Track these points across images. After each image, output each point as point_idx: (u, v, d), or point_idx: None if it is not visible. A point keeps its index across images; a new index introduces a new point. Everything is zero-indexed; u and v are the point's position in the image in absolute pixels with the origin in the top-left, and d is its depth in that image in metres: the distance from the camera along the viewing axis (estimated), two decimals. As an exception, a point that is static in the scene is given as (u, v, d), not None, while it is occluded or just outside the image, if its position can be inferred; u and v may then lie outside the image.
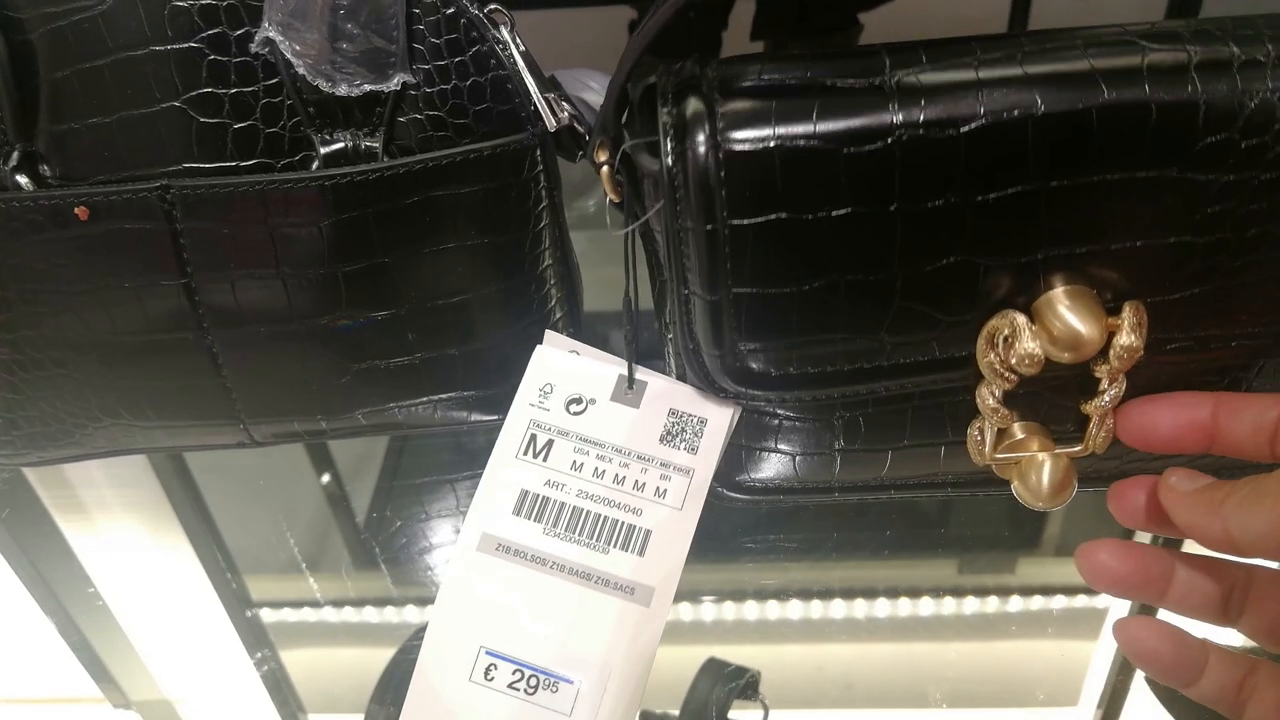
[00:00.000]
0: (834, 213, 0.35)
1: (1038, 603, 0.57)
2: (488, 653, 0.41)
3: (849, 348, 0.39)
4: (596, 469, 0.43)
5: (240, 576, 0.66)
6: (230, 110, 0.42)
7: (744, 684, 0.53)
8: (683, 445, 0.43)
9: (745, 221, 0.36)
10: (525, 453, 0.44)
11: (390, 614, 0.62)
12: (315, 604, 0.64)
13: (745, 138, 0.35)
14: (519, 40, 0.43)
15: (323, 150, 0.43)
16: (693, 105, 0.36)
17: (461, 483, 0.67)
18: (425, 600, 0.62)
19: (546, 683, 0.41)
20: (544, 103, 0.43)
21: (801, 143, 0.35)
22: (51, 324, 0.46)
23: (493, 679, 0.41)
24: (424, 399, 0.49)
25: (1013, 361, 0.37)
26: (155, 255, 0.44)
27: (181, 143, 0.43)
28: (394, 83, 0.42)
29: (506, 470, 0.43)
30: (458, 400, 0.49)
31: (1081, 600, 0.57)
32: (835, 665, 0.55)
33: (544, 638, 0.41)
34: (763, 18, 0.76)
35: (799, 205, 0.35)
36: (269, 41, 0.41)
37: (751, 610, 0.58)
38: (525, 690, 0.41)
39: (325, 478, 0.70)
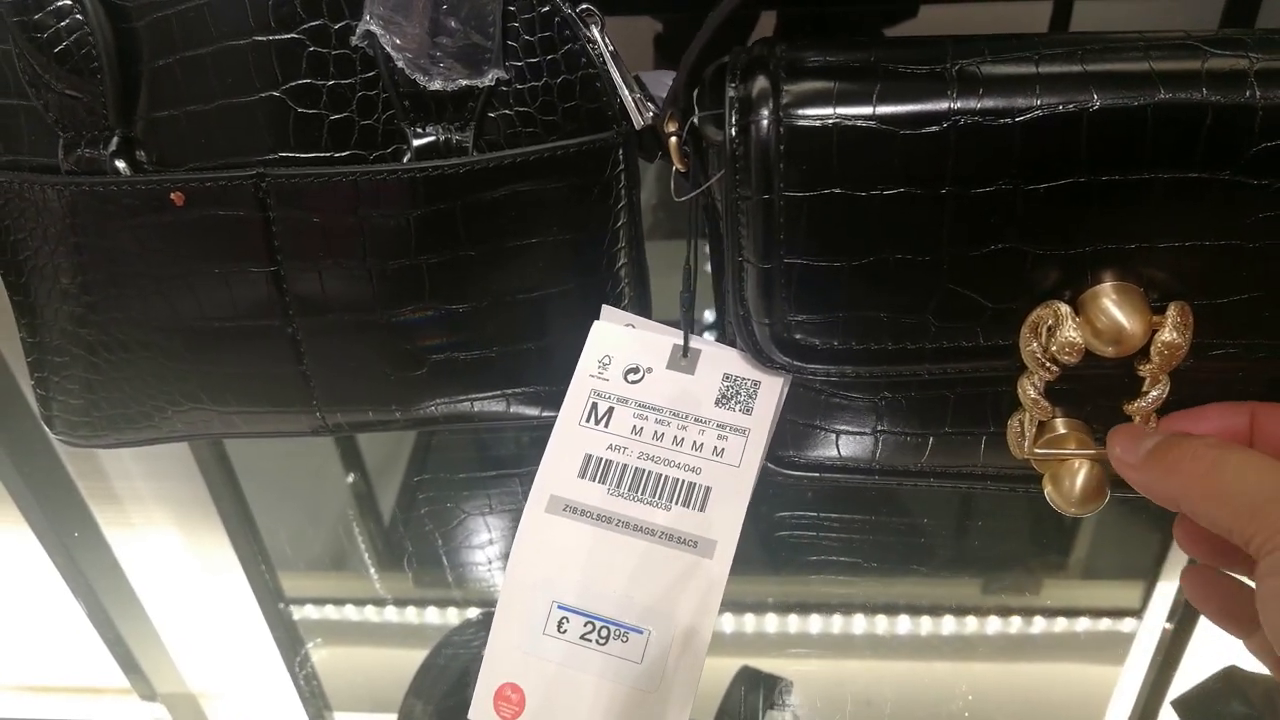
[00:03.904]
0: (887, 192, 0.37)
1: (1062, 625, 0.57)
2: (560, 607, 0.43)
3: (894, 327, 0.40)
4: (656, 432, 0.45)
5: (274, 571, 0.66)
6: (327, 101, 0.43)
7: (777, 693, 0.54)
8: (738, 407, 0.45)
9: (800, 194, 0.37)
10: (588, 420, 0.45)
11: (417, 614, 0.62)
12: (345, 601, 0.64)
13: (807, 115, 0.37)
14: (608, 40, 0.44)
15: (415, 143, 0.44)
16: (759, 82, 0.38)
17: (488, 482, 0.67)
18: (452, 602, 0.62)
19: (617, 633, 0.42)
20: (631, 102, 0.44)
21: (860, 123, 0.36)
22: (140, 307, 0.47)
23: (565, 631, 0.43)
24: (497, 392, 0.50)
25: (1054, 350, 0.38)
26: (247, 242, 0.45)
27: (278, 132, 0.43)
28: (488, 78, 0.43)
29: (570, 437, 0.45)
30: (530, 395, 0.50)
31: (1106, 624, 0.57)
32: (855, 681, 0.55)
33: (612, 591, 0.43)
34: (783, 34, 0.78)
35: (853, 182, 0.37)
36: (370, 35, 0.42)
37: (772, 623, 0.58)
38: (597, 641, 0.42)
39: (357, 476, 0.70)
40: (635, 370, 0.46)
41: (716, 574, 0.42)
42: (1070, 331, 0.38)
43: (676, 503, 0.44)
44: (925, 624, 0.57)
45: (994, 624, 0.57)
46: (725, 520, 0.43)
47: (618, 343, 0.47)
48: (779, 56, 0.38)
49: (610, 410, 0.45)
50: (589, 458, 0.44)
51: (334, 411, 0.50)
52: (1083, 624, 0.57)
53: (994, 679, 0.55)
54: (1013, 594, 0.59)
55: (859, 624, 0.58)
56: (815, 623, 0.58)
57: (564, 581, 0.43)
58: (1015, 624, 0.57)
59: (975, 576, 0.60)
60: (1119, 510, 0.62)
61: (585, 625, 0.43)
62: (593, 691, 0.42)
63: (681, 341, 0.46)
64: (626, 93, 0.44)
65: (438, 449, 0.70)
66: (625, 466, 0.44)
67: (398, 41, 0.42)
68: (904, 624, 0.57)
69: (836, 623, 0.58)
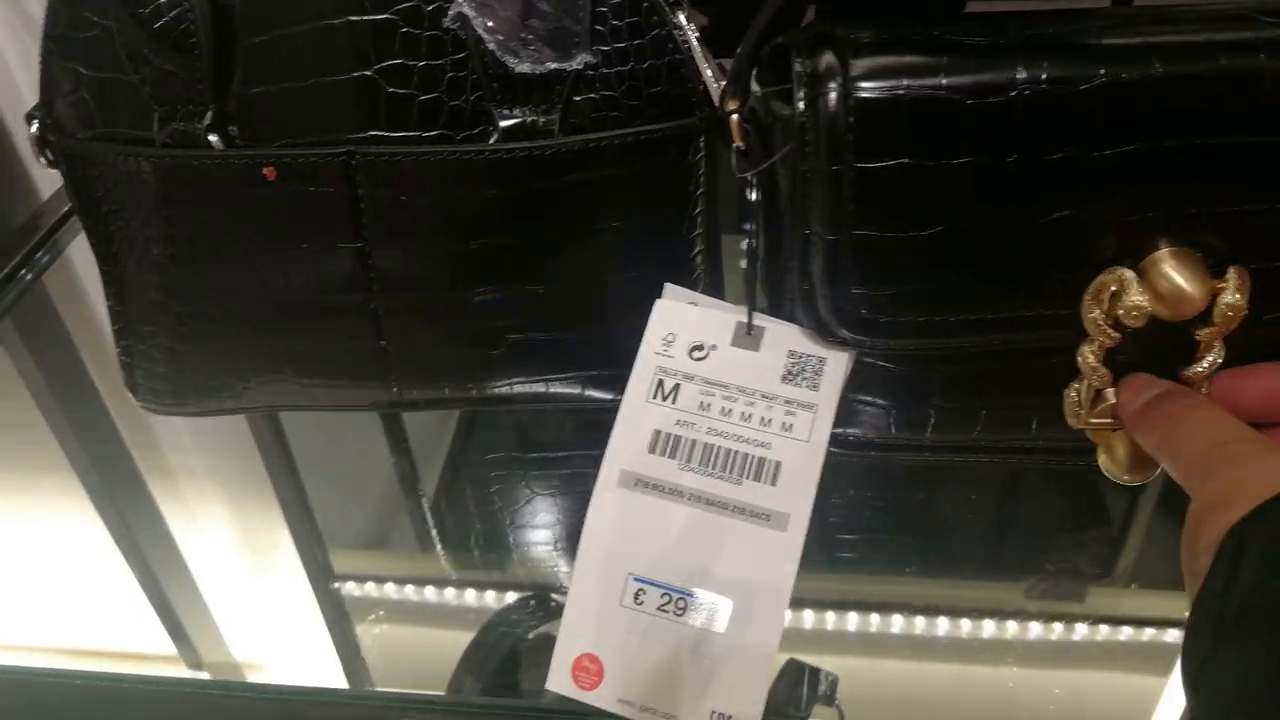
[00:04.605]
0: (954, 161, 0.38)
1: (1105, 632, 0.57)
2: (635, 579, 0.44)
3: (957, 298, 0.41)
4: (724, 408, 0.45)
5: (324, 547, 0.67)
6: (418, 82, 0.44)
7: (825, 688, 0.54)
8: (804, 383, 0.45)
9: (869, 165, 0.38)
10: (654, 396, 0.46)
11: (466, 595, 0.62)
12: (399, 580, 0.64)
13: (875, 87, 0.38)
14: (693, 26, 0.44)
15: (502, 124, 0.44)
16: (827, 57, 0.38)
17: (541, 464, 0.68)
18: (501, 584, 0.63)
19: (694, 604, 0.43)
20: (716, 88, 0.44)
21: (928, 93, 0.37)
22: (227, 279, 0.47)
23: (642, 603, 0.43)
24: (573, 375, 0.50)
25: (1119, 313, 0.39)
26: (334, 219, 0.45)
27: (369, 111, 0.44)
28: (576, 62, 0.43)
29: (639, 413, 0.45)
30: (604, 378, 0.50)
31: (1150, 633, 0.57)
32: (892, 681, 0.55)
33: (688, 563, 0.43)
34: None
35: (921, 153, 0.38)
36: (462, 17, 0.43)
37: (808, 619, 0.58)
38: (674, 611, 0.43)
39: (413, 456, 0.70)
40: (700, 347, 0.46)
41: (791, 546, 0.43)
42: (1135, 296, 0.38)
43: (748, 477, 0.44)
44: (965, 626, 0.57)
45: (1035, 629, 0.57)
46: (797, 494, 0.44)
47: (681, 320, 0.47)
48: (843, 31, 0.39)
49: (676, 387, 0.46)
50: (658, 433, 0.45)
51: (411, 387, 0.50)
52: (1127, 632, 0.57)
53: (1034, 684, 0.55)
54: (1056, 600, 0.58)
55: (897, 624, 0.58)
56: (852, 620, 0.58)
57: (639, 554, 0.44)
58: (1057, 630, 0.57)
59: (1018, 580, 0.60)
60: (1168, 516, 0.62)
61: (662, 597, 0.43)
62: (671, 661, 0.43)
63: (744, 319, 0.46)
64: (711, 79, 0.44)
65: (504, 429, 0.70)
66: (694, 442, 0.45)
67: (490, 24, 0.43)
68: (944, 625, 0.57)
69: (874, 621, 0.58)
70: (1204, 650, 0.29)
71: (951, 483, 0.63)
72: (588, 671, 0.43)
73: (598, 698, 0.43)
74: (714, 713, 0.42)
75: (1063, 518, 0.63)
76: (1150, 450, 0.38)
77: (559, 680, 0.44)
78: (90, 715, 0.49)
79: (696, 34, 0.44)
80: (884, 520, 0.63)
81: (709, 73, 0.44)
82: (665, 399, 0.45)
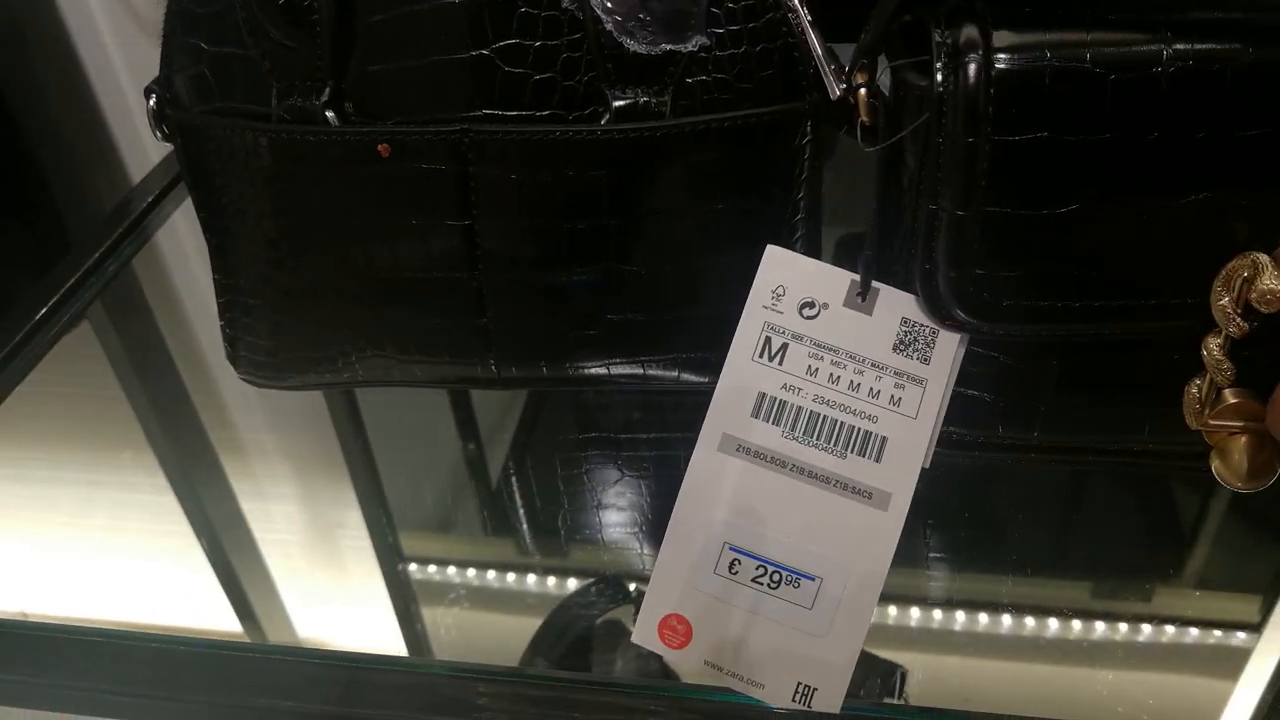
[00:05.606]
0: (1095, 137, 0.37)
1: (1171, 634, 0.56)
2: (731, 548, 0.43)
3: (1082, 282, 0.40)
4: (832, 374, 0.44)
5: (395, 530, 0.67)
6: (534, 61, 0.44)
7: (894, 681, 0.54)
8: (915, 355, 0.44)
9: (1008, 139, 0.38)
10: (760, 355, 0.44)
11: (524, 580, 0.62)
12: (463, 563, 0.64)
13: (1018, 60, 0.37)
14: (807, 10, 0.44)
15: (615, 104, 0.44)
16: (969, 29, 0.38)
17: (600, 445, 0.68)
18: (569, 569, 0.63)
19: (789, 579, 0.43)
20: (828, 72, 0.44)
21: (1072, 66, 0.37)
22: (335, 254, 0.48)
23: (736, 573, 0.43)
24: (670, 357, 0.50)
25: (1252, 297, 0.38)
26: (444, 196, 0.46)
27: (484, 90, 0.44)
28: (692, 44, 0.44)
29: (743, 373, 0.44)
30: (701, 362, 0.51)
31: (1218, 635, 0.56)
32: (953, 676, 0.55)
33: (785, 536, 0.43)
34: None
35: (1061, 127, 0.37)
36: (582, -4, 0.43)
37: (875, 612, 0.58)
38: (769, 585, 0.43)
39: (484, 441, 0.70)
40: (811, 304, 0.44)
41: (890, 527, 0.42)
42: (1270, 281, 0.37)
43: (852, 451, 0.43)
44: (1029, 624, 0.57)
45: (1100, 629, 0.56)
46: (901, 473, 0.43)
47: (793, 272, 0.45)
48: (984, 4, 0.39)
49: (784, 346, 0.44)
50: (762, 396, 0.44)
51: (509, 365, 0.51)
52: (1194, 634, 0.56)
53: (1097, 684, 0.55)
54: (1122, 599, 0.58)
55: (960, 618, 0.58)
56: (914, 614, 0.58)
57: (737, 523, 0.43)
58: (1122, 630, 0.56)
59: (1083, 579, 0.60)
60: (1241, 516, 0.61)
61: (757, 569, 0.43)
62: (761, 631, 0.43)
63: (860, 278, 0.44)
64: (824, 63, 0.44)
65: (572, 411, 0.70)
66: (800, 409, 0.43)
67: (608, 4, 0.43)
68: (1006, 623, 0.57)
69: (936, 616, 0.58)
70: None
71: (1019, 480, 0.63)
72: (675, 631, 0.43)
73: (683, 658, 0.44)
74: (799, 684, 0.42)
75: (1133, 516, 0.62)
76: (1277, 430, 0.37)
77: (645, 635, 0.44)
78: (153, 677, 0.49)
79: (810, 19, 0.44)
80: (952, 516, 0.62)
81: (821, 57, 0.44)
82: (772, 359, 0.44)
